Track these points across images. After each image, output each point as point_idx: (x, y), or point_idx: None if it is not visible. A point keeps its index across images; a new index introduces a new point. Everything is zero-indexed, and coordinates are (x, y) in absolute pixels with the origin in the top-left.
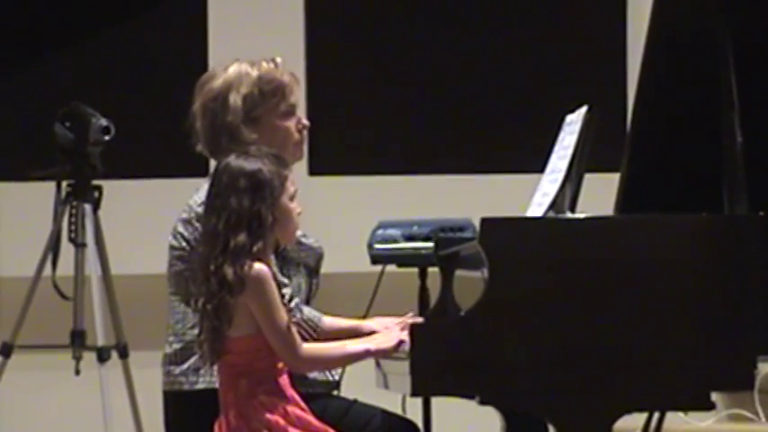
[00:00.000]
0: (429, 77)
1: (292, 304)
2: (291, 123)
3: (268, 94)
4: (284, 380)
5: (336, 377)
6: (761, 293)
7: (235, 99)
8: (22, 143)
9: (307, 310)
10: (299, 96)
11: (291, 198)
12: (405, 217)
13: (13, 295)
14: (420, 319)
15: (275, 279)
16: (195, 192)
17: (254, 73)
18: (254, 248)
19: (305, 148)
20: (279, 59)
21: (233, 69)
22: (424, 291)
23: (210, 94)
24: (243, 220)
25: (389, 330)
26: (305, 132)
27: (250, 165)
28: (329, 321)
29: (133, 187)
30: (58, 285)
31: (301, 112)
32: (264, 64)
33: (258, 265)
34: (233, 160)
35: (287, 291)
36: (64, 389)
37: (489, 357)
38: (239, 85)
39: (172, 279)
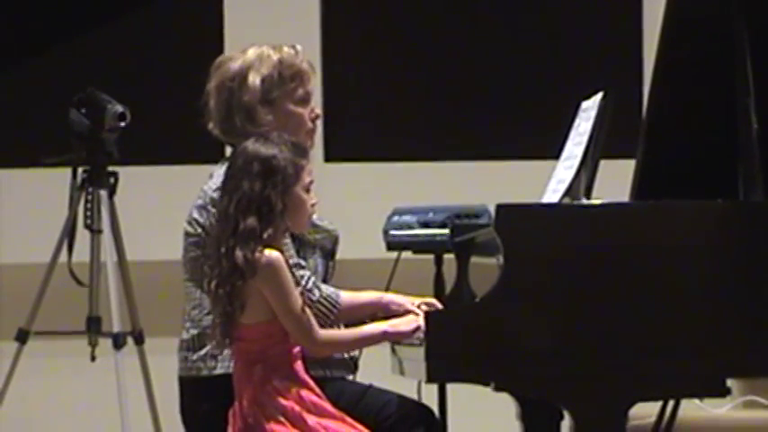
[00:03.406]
0: (445, 64)
1: (310, 284)
2: (305, 111)
3: (287, 78)
4: (299, 365)
5: (355, 354)
6: None
7: (254, 79)
8: (37, 129)
9: (324, 288)
10: (314, 86)
11: (306, 189)
12: (420, 203)
13: (28, 281)
14: (439, 305)
15: (289, 262)
16: (210, 178)
17: (275, 56)
18: (265, 234)
19: (317, 137)
20: (299, 47)
21: (253, 51)
22: (439, 277)
23: (228, 74)
24: (253, 204)
25: (408, 314)
26: (317, 122)
27: (266, 150)
28: (348, 297)
29: (149, 173)
30: (73, 272)
31: (317, 98)
32: (286, 49)
33: (269, 252)
34: (250, 144)
35: (305, 272)
36: (79, 375)
37: (504, 344)
38: (260, 66)
39: (187, 265)
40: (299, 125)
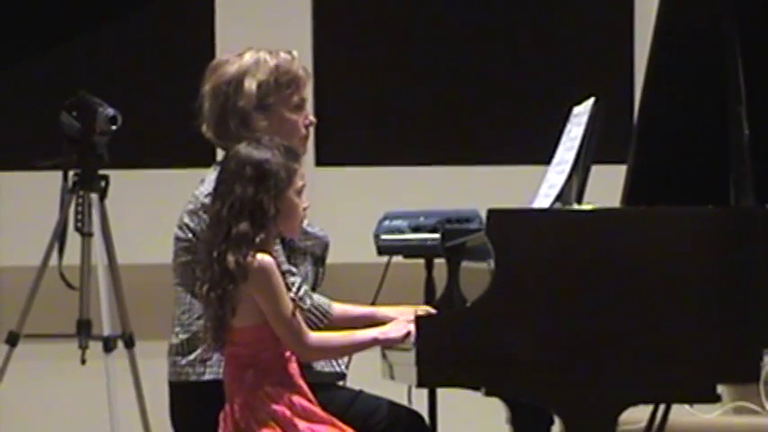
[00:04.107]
0: (436, 69)
1: (301, 292)
2: (299, 118)
3: (283, 84)
4: (293, 368)
5: (343, 367)
6: (767, 286)
7: (250, 84)
8: (28, 132)
9: (316, 297)
10: (308, 92)
11: (299, 193)
12: (411, 208)
13: (19, 284)
14: (432, 311)
15: (280, 269)
16: (201, 183)
17: (272, 62)
18: (257, 239)
19: (309, 143)
20: (295, 53)
21: (250, 55)
22: (430, 282)
23: (224, 77)
24: (245, 209)
25: (400, 320)
26: (311, 129)
27: (259, 154)
28: (340, 309)
29: (140, 177)
30: (64, 275)
31: (308, 102)
32: (282, 54)
33: (261, 256)
34: (243, 147)
35: (296, 279)
36: (70, 378)
37: (495, 349)
38: (256, 71)
39: (178, 270)
40: (292, 132)
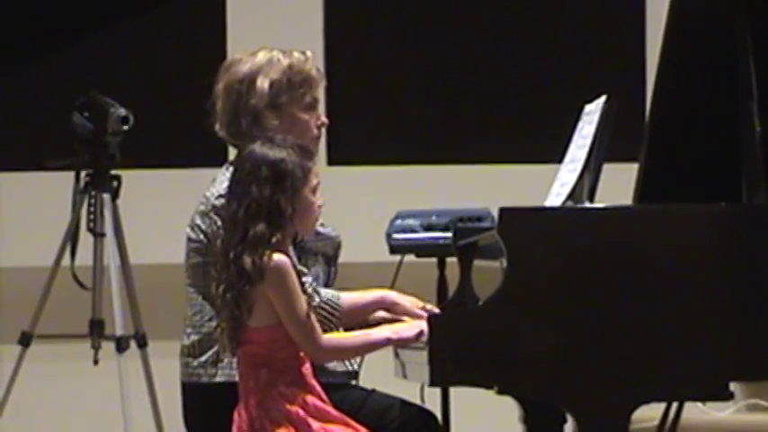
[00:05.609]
0: (448, 68)
1: (310, 289)
2: (311, 118)
3: (295, 84)
4: (306, 369)
5: (356, 366)
6: None
7: (262, 83)
8: (40, 133)
9: (324, 292)
10: (321, 93)
11: (314, 191)
12: (423, 207)
13: (31, 285)
14: (437, 310)
15: (295, 268)
16: (212, 183)
17: (286, 61)
18: (273, 239)
19: (321, 143)
20: (309, 53)
21: (263, 54)
22: (442, 281)
23: (237, 76)
24: (262, 210)
25: (413, 321)
26: (322, 130)
27: (274, 154)
28: (349, 299)
29: (152, 177)
30: (76, 275)
31: (320, 101)
32: (296, 54)
33: (277, 256)
34: (258, 148)
35: (307, 279)
36: (82, 378)
37: (508, 347)
38: (269, 70)
39: (189, 271)
40: (304, 132)
